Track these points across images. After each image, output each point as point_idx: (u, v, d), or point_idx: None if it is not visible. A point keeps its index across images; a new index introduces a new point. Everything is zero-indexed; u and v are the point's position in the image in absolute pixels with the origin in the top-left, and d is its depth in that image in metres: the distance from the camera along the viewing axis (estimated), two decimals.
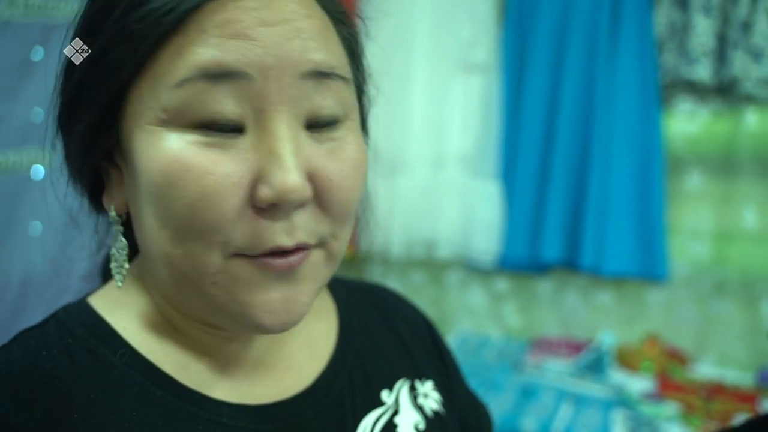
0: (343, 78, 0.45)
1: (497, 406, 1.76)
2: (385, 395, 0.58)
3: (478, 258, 2.23)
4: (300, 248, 0.44)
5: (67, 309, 0.50)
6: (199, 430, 0.46)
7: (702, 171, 2.04)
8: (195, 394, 0.47)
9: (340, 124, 0.46)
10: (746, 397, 1.79)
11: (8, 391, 0.42)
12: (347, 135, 0.46)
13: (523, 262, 2.23)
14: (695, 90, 2.03)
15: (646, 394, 1.83)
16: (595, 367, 1.98)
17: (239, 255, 0.43)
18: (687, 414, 1.71)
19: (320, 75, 0.43)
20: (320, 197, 0.44)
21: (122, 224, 0.49)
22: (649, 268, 2.06)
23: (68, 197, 0.52)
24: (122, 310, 0.49)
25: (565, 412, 1.76)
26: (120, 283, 0.49)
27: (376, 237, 2.19)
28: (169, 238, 0.42)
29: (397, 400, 0.59)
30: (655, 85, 2.03)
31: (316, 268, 0.46)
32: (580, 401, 1.80)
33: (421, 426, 0.59)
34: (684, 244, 2.07)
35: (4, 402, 0.42)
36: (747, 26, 1.87)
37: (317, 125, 0.44)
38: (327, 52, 0.44)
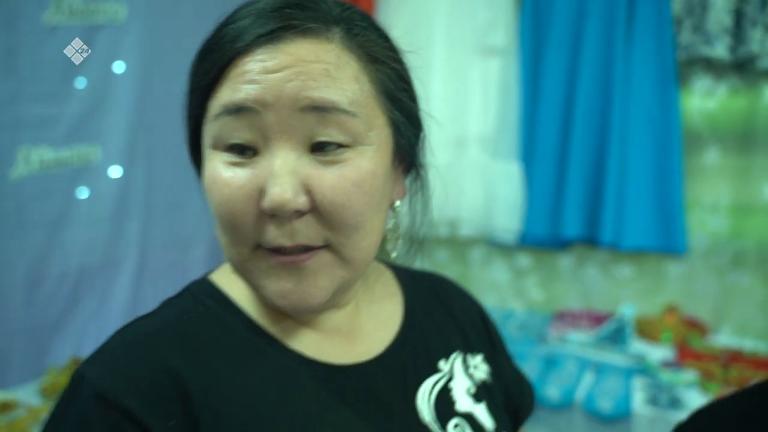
0: (348, 112, 0.54)
1: None
2: (442, 364, 0.69)
3: (501, 236, 2.32)
4: (306, 249, 0.55)
5: (196, 284, 0.64)
6: (298, 380, 0.59)
7: (720, 147, 2.09)
8: (295, 353, 0.60)
9: (348, 149, 0.55)
10: (764, 364, 1.87)
11: (166, 341, 0.57)
12: (354, 158, 0.55)
13: (544, 239, 2.30)
14: (713, 67, 2.07)
15: (666, 362, 1.91)
16: (616, 338, 2.06)
17: (259, 248, 0.55)
18: (705, 381, 1.79)
19: (319, 109, 0.53)
20: (318, 209, 0.54)
21: None
22: (668, 242, 2.12)
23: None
24: (237, 286, 0.63)
25: (588, 380, 1.85)
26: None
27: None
28: (220, 232, 0.57)
29: (451, 369, 0.70)
30: (673, 63, 2.07)
31: (328, 268, 0.56)
32: (601, 370, 1.88)
33: (472, 390, 0.70)
34: (702, 218, 2.13)
35: (165, 348, 0.56)
36: (764, 3, 1.90)
37: (321, 149, 0.54)
38: (328, 90, 0.53)
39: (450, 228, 2.38)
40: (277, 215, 0.53)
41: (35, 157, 1.70)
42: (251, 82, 0.53)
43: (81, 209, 1.83)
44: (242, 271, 0.57)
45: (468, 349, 0.74)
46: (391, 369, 0.65)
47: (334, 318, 0.64)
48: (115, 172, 1.89)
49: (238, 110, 0.53)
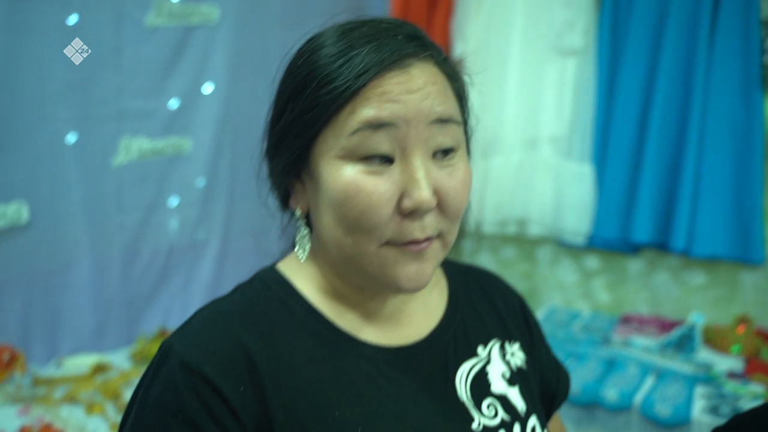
0: (456, 122, 0.66)
1: (581, 376, 1.87)
2: (480, 349, 0.77)
3: (570, 237, 2.32)
4: (427, 239, 0.64)
5: (264, 271, 0.74)
6: (348, 358, 0.67)
7: None
8: (346, 335, 0.69)
9: (454, 153, 0.66)
10: None
11: (238, 320, 0.66)
12: (459, 162, 0.67)
13: (613, 243, 2.29)
14: None
15: (733, 373, 1.87)
16: (683, 345, 2.03)
17: (388, 244, 0.64)
18: None
19: (441, 121, 0.64)
20: (441, 205, 0.64)
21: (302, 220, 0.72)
22: (743, 251, 2.07)
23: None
24: (300, 276, 0.72)
25: (648, 384, 1.84)
26: (302, 259, 0.72)
27: (470, 214, 2.34)
28: (342, 232, 0.64)
29: (489, 354, 0.77)
30: (758, 67, 2.01)
31: (436, 252, 0.67)
32: (664, 376, 1.87)
33: (507, 375, 0.76)
34: None
35: (237, 326, 0.65)
36: None
37: (440, 155, 0.65)
38: (445, 106, 0.65)
39: (519, 226, 2.41)
40: (416, 214, 0.62)
41: (135, 147, 1.88)
42: (394, 101, 0.61)
43: (172, 196, 2.00)
44: (365, 264, 0.64)
45: (506, 337, 0.80)
46: (434, 351, 0.73)
47: (391, 305, 0.73)
48: (203, 163, 2.05)
49: (381, 125, 0.61)
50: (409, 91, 0.62)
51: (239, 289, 0.72)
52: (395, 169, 0.62)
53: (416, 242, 0.63)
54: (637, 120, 2.22)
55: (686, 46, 2.10)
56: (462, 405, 0.70)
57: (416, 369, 0.70)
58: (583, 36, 2.26)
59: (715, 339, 2.07)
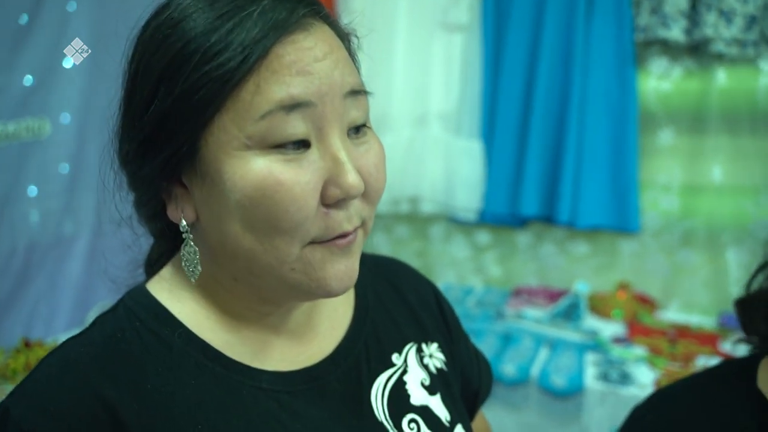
0: (366, 92, 0.57)
1: None
2: (395, 357, 0.68)
3: (461, 214, 2.34)
4: (355, 229, 0.56)
5: (131, 295, 0.60)
6: (243, 395, 0.56)
7: (673, 128, 2.14)
8: (239, 365, 0.58)
9: (366, 128, 0.58)
10: (708, 339, 1.95)
11: (97, 368, 0.53)
12: (371, 136, 0.58)
13: (503, 217, 2.34)
14: (669, 49, 2.11)
15: (617, 338, 1.97)
16: (571, 314, 2.12)
17: (312, 243, 0.54)
18: (653, 356, 1.86)
19: (355, 93, 0.55)
20: (366, 188, 0.55)
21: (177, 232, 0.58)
22: (621, 221, 2.18)
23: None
24: (178, 298, 0.59)
25: (543, 356, 1.90)
26: (193, 279, 0.58)
27: None
28: (253, 239, 0.53)
29: (405, 361, 0.69)
30: (631, 44, 2.10)
31: (360, 243, 0.58)
32: (556, 346, 1.94)
33: (426, 382, 0.69)
34: (655, 197, 2.19)
35: (95, 376, 0.52)
36: None
37: (354, 132, 0.56)
38: (354, 75, 0.56)
39: (411, 204, 2.39)
40: (344, 202, 0.54)
41: None
42: (305, 72, 0.51)
43: (31, 185, 1.76)
44: (285, 271, 0.54)
45: (423, 338, 0.73)
46: (343, 369, 0.63)
47: (295, 318, 0.63)
48: (65, 147, 1.82)
49: (296, 105, 0.51)
50: (316, 59, 0.52)
51: (99, 323, 0.58)
52: (313, 154, 0.53)
53: (344, 235, 0.55)
54: (521, 97, 2.26)
55: (565, 25, 2.16)
56: (380, 426, 0.62)
57: (325, 393, 0.61)
58: (468, 11, 2.25)
59: (598, 306, 2.18)
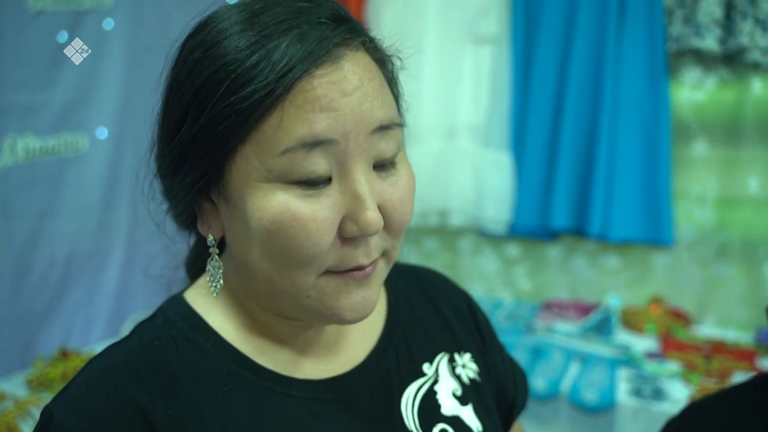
0: (398, 124, 0.56)
1: None
2: (426, 367, 0.68)
3: (490, 226, 2.33)
4: (373, 263, 0.56)
5: (169, 304, 0.62)
6: (273, 401, 0.58)
7: (707, 138, 2.10)
8: (269, 373, 0.59)
9: (396, 159, 0.57)
10: (745, 355, 1.90)
11: (132, 375, 0.55)
12: (402, 167, 0.57)
13: (533, 230, 2.32)
14: (702, 59, 2.08)
15: (650, 353, 1.93)
16: (602, 329, 2.09)
17: (328, 272, 0.54)
18: (688, 372, 1.82)
19: (383, 128, 0.54)
20: (386, 221, 0.55)
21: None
22: (654, 234, 2.14)
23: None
24: (213, 308, 0.61)
25: (573, 371, 1.87)
26: (216, 294, 0.60)
27: None
28: (271, 265, 0.54)
29: (437, 371, 0.68)
30: (663, 54, 2.08)
31: (381, 272, 0.58)
32: (587, 360, 1.91)
33: (458, 392, 0.68)
34: (689, 209, 2.15)
35: (130, 383, 0.55)
36: None
37: (382, 165, 0.55)
38: (386, 108, 0.54)
39: (440, 217, 2.39)
40: (362, 238, 0.53)
41: (21, 147, 1.67)
42: (329, 108, 0.50)
43: (68, 198, 1.81)
44: (300, 297, 0.55)
45: (455, 348, 0.72)
46: (374, 378, 0.64)
47: (328, 334, 0.64)
48: (102, 161, 1.87)
49: (317, 143, 0.50)
50: (344, 93, 0.51)
51: (138, 331, 0.61)
52: (333, 189, 0.53)
53: (360, 268, 0.55)
54: (551, 108, 2.25)
55: (596, 35, 2.14)
56: None
57: (355, 402, 0.61)
58: (498, 23, 2.26)
59: (630, 320, 2.14)
